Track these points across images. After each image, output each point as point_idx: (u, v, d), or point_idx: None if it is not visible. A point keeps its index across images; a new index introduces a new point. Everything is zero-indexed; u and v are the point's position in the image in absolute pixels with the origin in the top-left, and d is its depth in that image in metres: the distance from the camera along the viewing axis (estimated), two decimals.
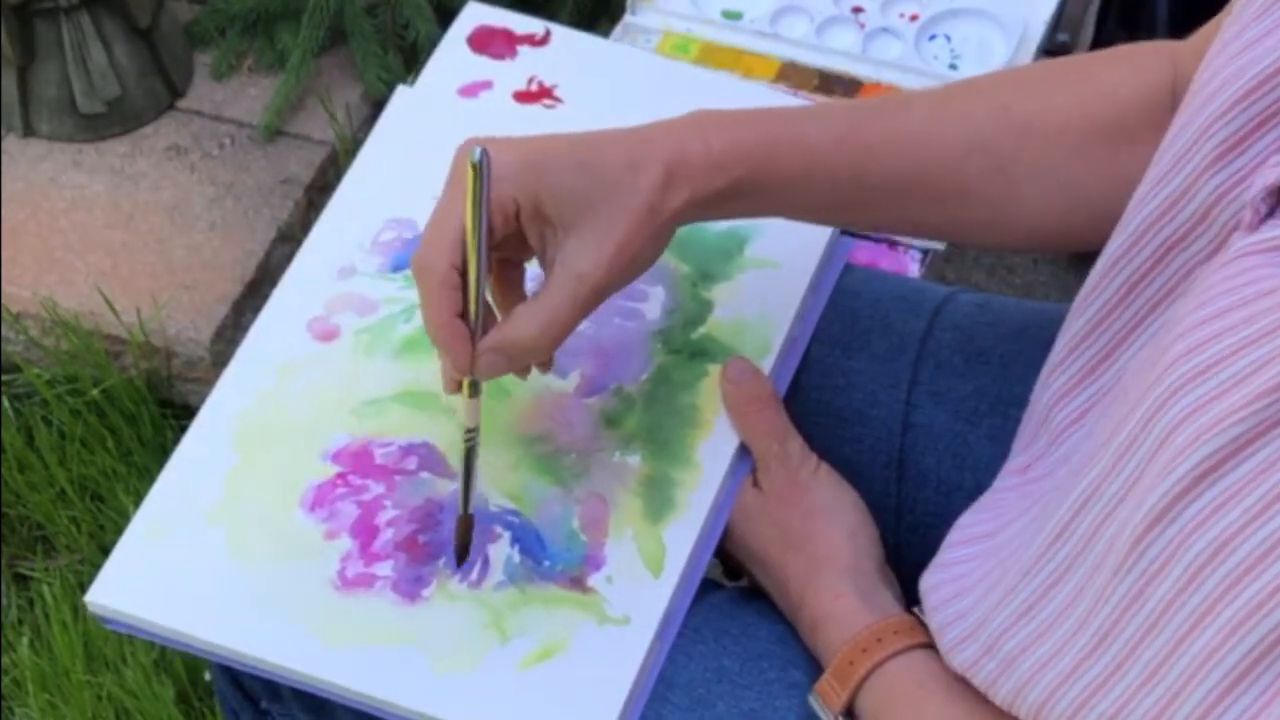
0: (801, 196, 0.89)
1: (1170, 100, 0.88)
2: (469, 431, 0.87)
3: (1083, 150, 0.88)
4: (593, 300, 0.85)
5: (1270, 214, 0.70)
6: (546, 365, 0.90)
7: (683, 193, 0.85)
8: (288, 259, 1.02)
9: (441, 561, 0.90)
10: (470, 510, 0.89)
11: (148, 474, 1.60)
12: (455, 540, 0.90)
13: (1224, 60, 0.74)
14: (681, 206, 0.85)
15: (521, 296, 0.89)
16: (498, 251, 0.86)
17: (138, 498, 1.28)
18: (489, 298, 0.87)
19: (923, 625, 0.86)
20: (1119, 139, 0.88)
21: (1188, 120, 0.76)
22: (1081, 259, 1.86)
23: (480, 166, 0.80)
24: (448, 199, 0.83)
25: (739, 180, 0.86)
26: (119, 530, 1.08)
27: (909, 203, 0.90)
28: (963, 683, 0.79)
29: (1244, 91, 0.73)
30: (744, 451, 0.94)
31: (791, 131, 0.87)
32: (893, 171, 0.88)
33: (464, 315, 0.83)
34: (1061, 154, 0.88)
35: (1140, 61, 0.90)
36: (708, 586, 0.93)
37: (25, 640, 1.54)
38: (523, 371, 0.89)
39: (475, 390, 0.86)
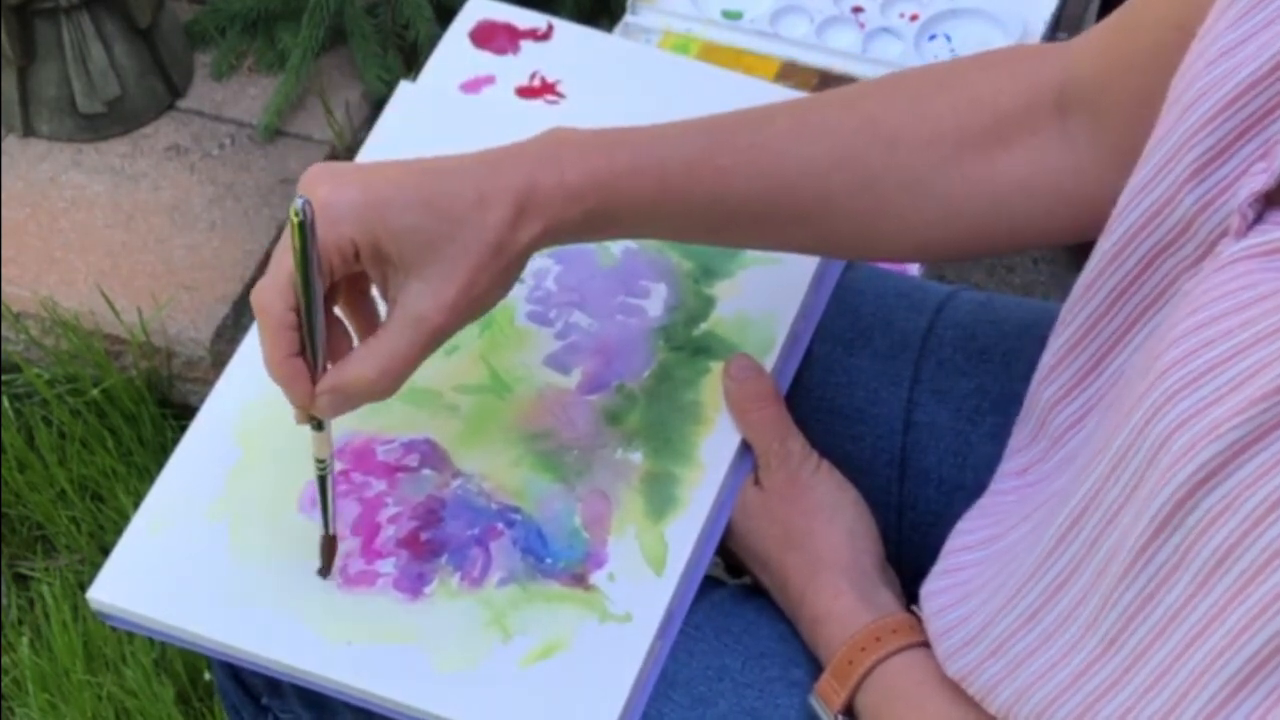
0: (658, 222, 0.88)
1: (1055, 103, 0.86)
2: (319, 462, 0.86)
3: (954, 159, 0.87)
4: (435, 341, 0.83)
5: (1258, 219, 0.70)
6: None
7: (534, 226, 0.83)
8: None
9: (443, 559, 0.90)
10: (332, 531, 0.88)
11: (148, 474, 1.60)
12: (321, 557, 0.89)
13: (1200, 68, 0.74)
14: (533, 239, 0.84)
15: (374, 318, 0.87)
16: (344, 284, 0.85)
17: (138, 498, 1.27)
18: (344, 320, 0.86)
19: (922, 624, 0.85)
20: (993, 146, 0.87)
21: (1168, 130, 0.75)
22: (1082, 260, 1.85)
23: (303, 222, 0.78)
24: (287, 238, 0.81)
25: (592, 211, 0.85)
26: (119, 530, 1.08)
27: (772, 222, 0.88)
28: None
29: (1224, 103, 0.72)
30: (746, 449, 0.94)
31: (646, 158, 0.85)
32: (751, 192, 0.87)
33: (303, 353, 0.82)
34: (932, 164, 0.87)
35: (1020, 66, 0.88)
36: (709, 584, 0.93)
37: (25, 640, 1.53)
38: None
39: (320, 425, 0.85)
